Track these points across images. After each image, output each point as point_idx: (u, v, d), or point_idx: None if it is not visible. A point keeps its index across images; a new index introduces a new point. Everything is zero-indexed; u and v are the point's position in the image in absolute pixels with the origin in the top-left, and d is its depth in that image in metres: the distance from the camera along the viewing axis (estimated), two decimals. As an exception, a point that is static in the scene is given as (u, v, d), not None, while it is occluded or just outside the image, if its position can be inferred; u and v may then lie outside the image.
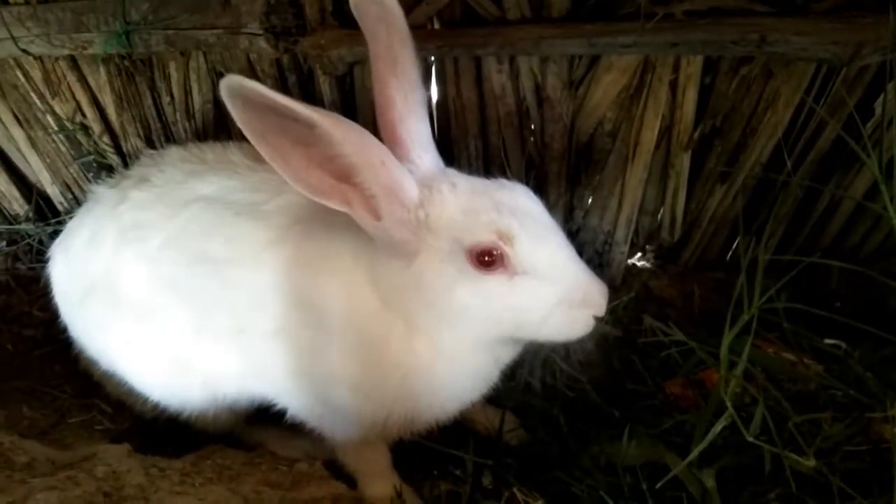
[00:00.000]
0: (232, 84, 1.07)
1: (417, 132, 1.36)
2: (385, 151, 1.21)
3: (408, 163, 1.34)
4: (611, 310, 2.17)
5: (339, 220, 1.28)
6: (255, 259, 1.45)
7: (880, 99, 1.69)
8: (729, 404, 1.23)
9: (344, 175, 1.21)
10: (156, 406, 1.78)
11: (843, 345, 1.53)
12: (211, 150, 1.70)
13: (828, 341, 1.53)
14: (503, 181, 1.36)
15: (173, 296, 1.56)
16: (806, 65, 1.70)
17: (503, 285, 1.26)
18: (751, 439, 1.25)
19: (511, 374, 2.02)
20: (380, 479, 1.69)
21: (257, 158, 1.55)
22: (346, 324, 1.39)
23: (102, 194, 1.76)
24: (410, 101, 1.35)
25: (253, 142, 1.14)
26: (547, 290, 1.27)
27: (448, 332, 1.35)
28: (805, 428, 1.36)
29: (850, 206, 2.02)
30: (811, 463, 1.23)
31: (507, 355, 1.50)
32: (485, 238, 1.23)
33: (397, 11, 1.32)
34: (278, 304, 1.44)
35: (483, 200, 1.27)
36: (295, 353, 1.46)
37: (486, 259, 1.24)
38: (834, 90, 1.72)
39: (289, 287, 1.42)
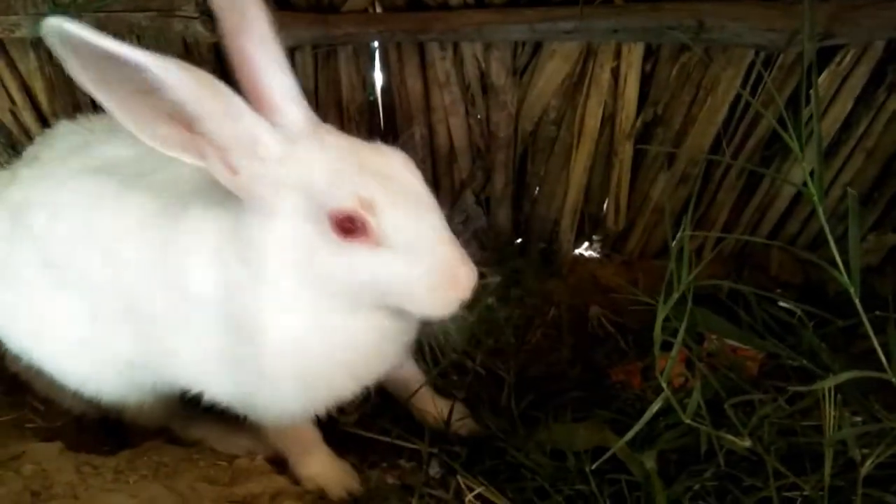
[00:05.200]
0: (55, 29, 0.97)
1: (281, 84, 1.26)
2: (234, 100, 1.13)
3: (275, 116, 1.25)
4: (557, 301, 2.21)
5: (221, 190, 1.22)
6: (139, 234, 1.38)
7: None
8: (665, 385, 1.23)
9: (194, 125, 1.13)
10: (81, 398, 1.70)
11: (799, 311, 1.53)
12: (100, 121, 1.63)
13: (783, 304, 1.55)
14: (381, 145, 1.28)
15: (63, 276, 1.49)
16: (744, 51, 1.73)
17: (364, 255, 1.20)
18: (687, 421, 1.26)
19: (460, 365, 2.01)
20: (310, 457, 1.66)
21: None
22: (217, 303, 1.33)
23: None
24: (268, 53, 1.25)
25: (92, 92, 1.06)
26: (408, 267, 1.21)
27: (322, 300, 1.29)
28: (743, 409, 1.38)
29: (789, 194, 2.07)
30: (746, 443, 1.25)
31: (397, 330, 1.44)
32: (346, 204, 1.17)
33: None
34: (161, 283, 1.37)
35: (350, 164, 1.21)
36: (183, 334, 1.40)
37: (348, 226, 1.18)
38: (771, 77, 1.75)
39: (167, 265, 1.36)
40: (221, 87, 1.12)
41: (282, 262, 1.25)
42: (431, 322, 1.36)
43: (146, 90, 1.07)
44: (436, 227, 1.24)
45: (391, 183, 1.21)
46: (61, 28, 0.97)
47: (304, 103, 1.30)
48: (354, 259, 1.21)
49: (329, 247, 1.20)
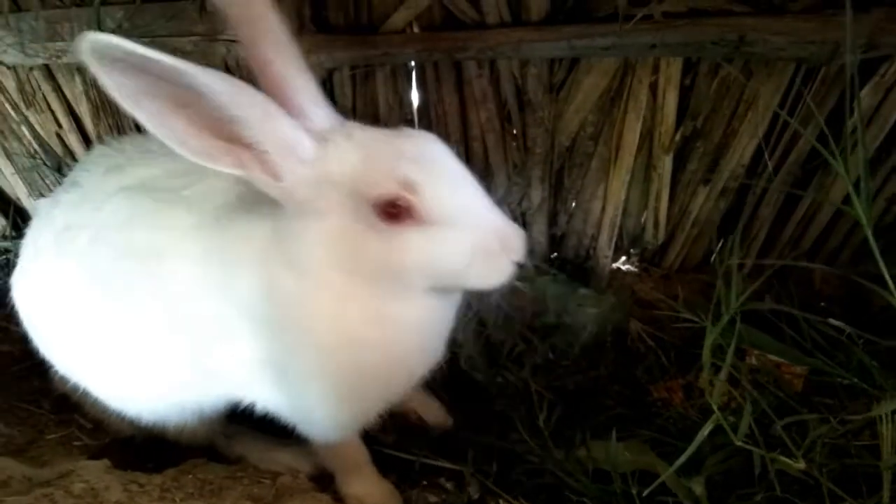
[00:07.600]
0: (94, 43, 0.97)
1: (304, 87, 1.28)
2: (270, 104, 1.14)
3: (302, 119, 1.26)
4: (597, 314, 2.19)
5: (256, 201, 1.23)
6: (178, 247, 1.40)
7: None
8: (715, 407, 1.21)
9: (233, 135, 1.13)
10: (131, 422, 1.73)
11: (848, 328, 1.48)
12: (130, 142, 1.69)
13: (832, 322, 1.50)
14: (408, 129, 1.28)
15: (106, 295, 1.51)
16: (785, 65, 1.70)
17: (414, 236, 1.20)
18: (739, 443, 1.23)
19: (495, 376, 2.00)
20: (357, 475, 1.66)
21: None
22: (266, 309, 1.33)
23: (40, 206, 1.74)
24: (288, 58, 1.26)
25: (126, 107, 1.05)
26: (462, 237, 1.22)
27: (373, 292, 1.28)
28: (792, 428, 1.35)
29: (832, 207, 2.03)
30: (801, 465, 1.22)
31: (444, 308, 1.43)
32: (388, 188, 1.17)
33: None
34: (207, 296, 1.39)
35: (383, 149, 1.21)
36: (233, 345, 1.41)
37: (393, 210, 1.18)
38: (812, 91, 1.73)
39: (212, 277, 1.37)
40: (255, 91, 1.12)
41: (333, 259, 1.25)
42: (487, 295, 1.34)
43: (184, 103, 1.08)
44: (477, 197, 1.25)
45: (426, 161, 1.21)
46: (99, 41, 0.97)
47: (327, 102, 1.31)
48: (406, 242, 1.21)
49: (379, 236, 1.20)
